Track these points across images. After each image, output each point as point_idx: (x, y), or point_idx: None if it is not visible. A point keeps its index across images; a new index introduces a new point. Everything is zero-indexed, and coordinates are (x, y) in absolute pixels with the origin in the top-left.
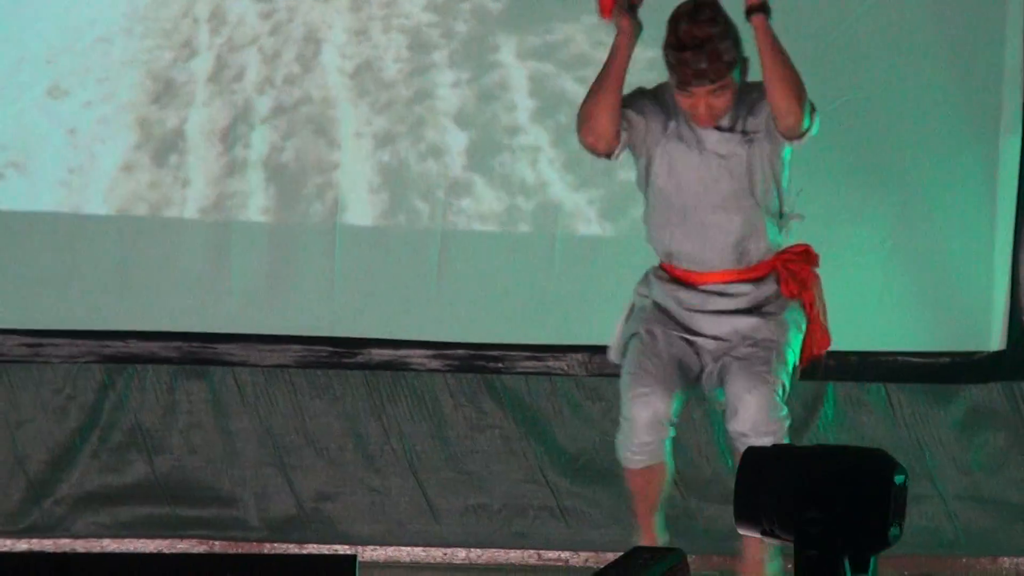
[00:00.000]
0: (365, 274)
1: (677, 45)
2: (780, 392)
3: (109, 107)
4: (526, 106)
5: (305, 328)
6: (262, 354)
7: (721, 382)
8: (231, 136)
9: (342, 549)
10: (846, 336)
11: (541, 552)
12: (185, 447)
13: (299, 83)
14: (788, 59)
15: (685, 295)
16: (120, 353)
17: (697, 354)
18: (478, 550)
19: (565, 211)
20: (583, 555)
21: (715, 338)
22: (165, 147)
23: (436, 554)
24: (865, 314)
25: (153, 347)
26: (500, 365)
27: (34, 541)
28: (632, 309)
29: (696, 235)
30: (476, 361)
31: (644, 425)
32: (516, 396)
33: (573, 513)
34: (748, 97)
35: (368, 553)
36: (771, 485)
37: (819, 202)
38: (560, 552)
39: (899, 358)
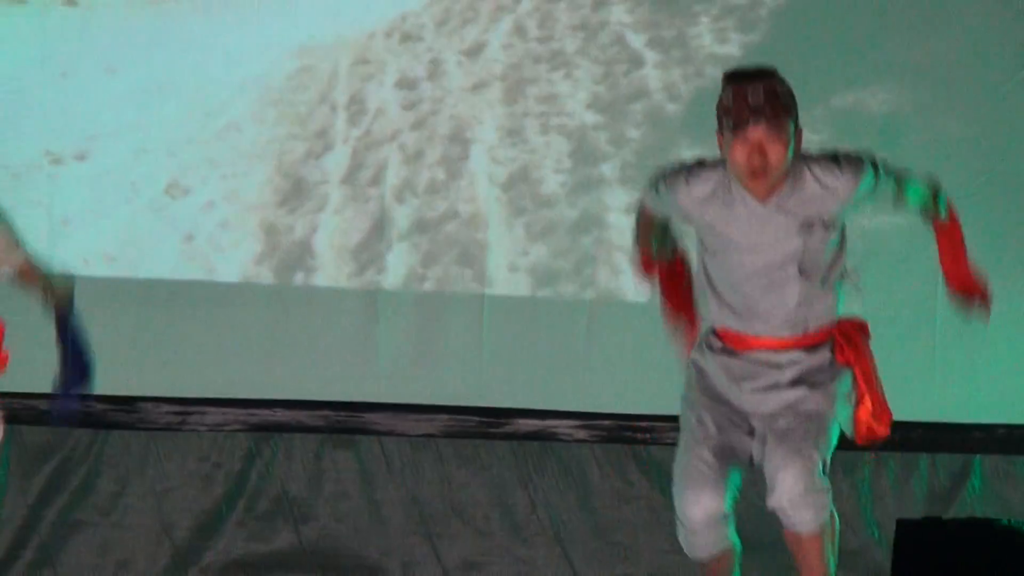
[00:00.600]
0: (513, 344)
1: (734, 80)
2: (820, 467)
3: (232, 209)
4: None
5: (452, 398)
6: (409, 423)
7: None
8: (364, 255)
9: None
10: (994, 409)
11: None
12: (332, 516)
13: (443, 192)
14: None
15: (736, 366)
16: (267, 422)
17: (748, 433)
18: None
19: None
20: None
21: (762, 416)
22: (291, 261)
23: None
24: (1013, 386)
25: (300, 416)
26: (647, 436)
27: None
28: (687, 379)
29: (749, 310)
30: (623, 432)
31: (701, 526)
32: (663, 467)
33: None
34: (804, 186)
35: None
36: (930, 559)
37: None
38: None
39: None
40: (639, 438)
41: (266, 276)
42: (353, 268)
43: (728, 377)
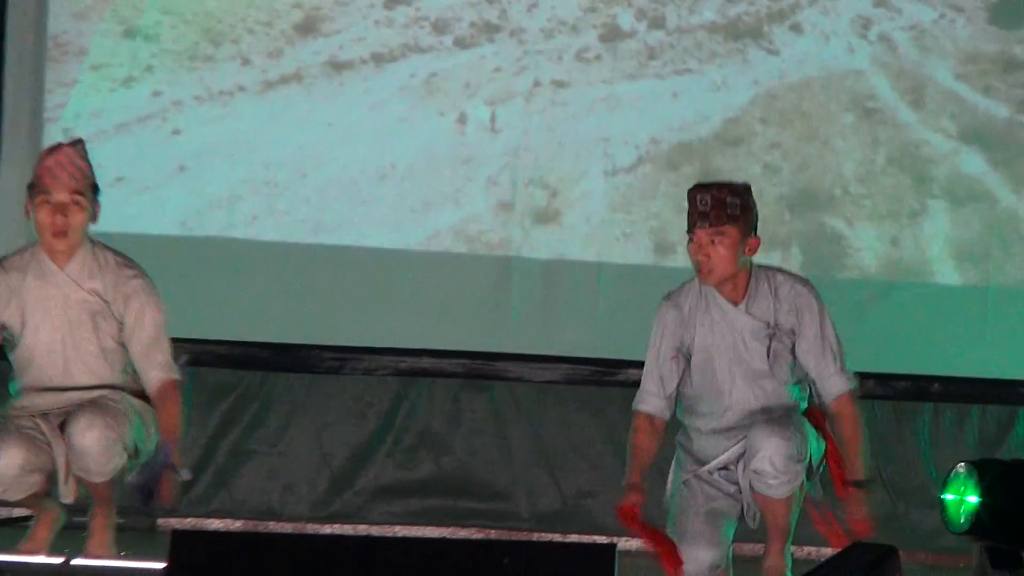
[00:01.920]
0: (625, 305)
1: (692, 190)
2: (796, 450)
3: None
4: None
5: (572, 350)
6: (535, 371)
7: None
8: (501, 231)
9: (600, 539)
10: None
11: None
12: (467, 450)
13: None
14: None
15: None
16: (414, 368)
17: (735, 491)
18: None
19: None
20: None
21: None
22: (438, 232)
23: None
24: None
25: (442, 363)
26: None
27: (336, 526)
28: (676, 456)
29: (721, 411)
30: None
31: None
32: None
33: None
34: (775, 291)
35: (623, 543)
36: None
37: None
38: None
39: None
40: None
41: (415, 243)
42: (491, 238)
43: (705, 439)
